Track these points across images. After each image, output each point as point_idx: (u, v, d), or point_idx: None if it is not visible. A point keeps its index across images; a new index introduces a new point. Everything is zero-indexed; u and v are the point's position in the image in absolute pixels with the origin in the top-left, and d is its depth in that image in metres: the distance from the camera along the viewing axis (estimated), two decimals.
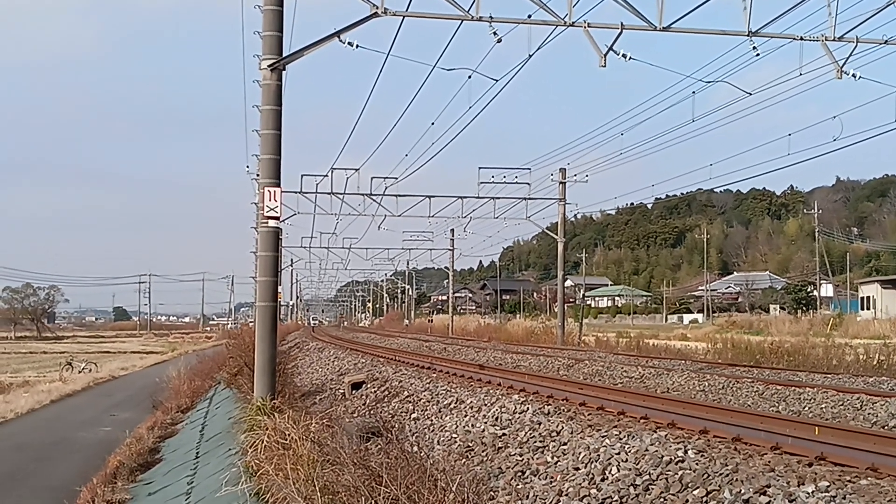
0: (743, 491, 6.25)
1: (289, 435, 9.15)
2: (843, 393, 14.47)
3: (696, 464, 7.22)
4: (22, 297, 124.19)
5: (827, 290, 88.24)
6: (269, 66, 13.65)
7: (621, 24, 15.48)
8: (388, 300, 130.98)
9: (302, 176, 39.67)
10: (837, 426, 10.15)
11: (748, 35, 16.19)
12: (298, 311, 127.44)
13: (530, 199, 40.96)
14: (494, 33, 15.22)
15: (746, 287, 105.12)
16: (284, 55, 13.77)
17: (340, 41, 14.19)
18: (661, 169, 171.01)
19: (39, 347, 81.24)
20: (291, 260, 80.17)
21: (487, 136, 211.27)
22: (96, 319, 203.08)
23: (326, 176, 38.39)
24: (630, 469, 7.50)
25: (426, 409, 13.05)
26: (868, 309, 66.63)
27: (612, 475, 7.49)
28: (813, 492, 6.06)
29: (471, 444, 10.16)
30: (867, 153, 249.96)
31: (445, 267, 72.41)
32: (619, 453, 7.97)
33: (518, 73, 17.95)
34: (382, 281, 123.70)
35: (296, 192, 39.52)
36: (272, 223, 13.77)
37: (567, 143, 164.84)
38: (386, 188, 39.11)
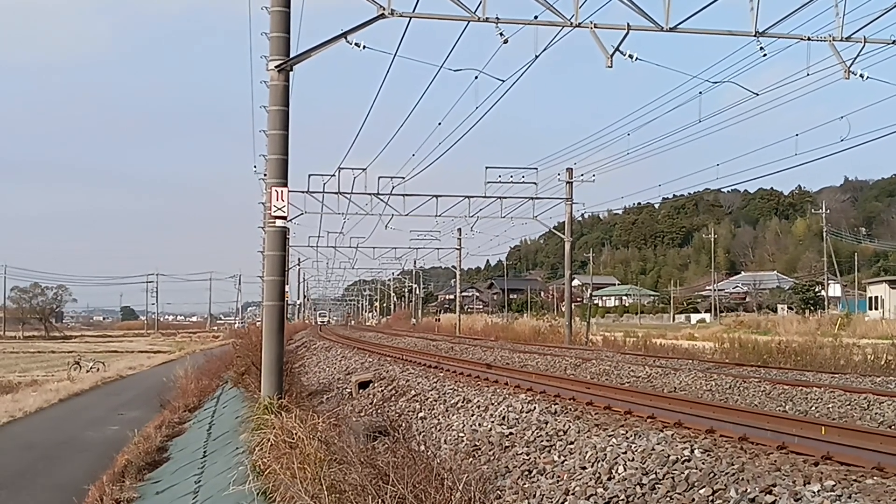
0: (749, 490, 6.27)
1: (296, 434, 9.17)
2: (850, 393, 14.46)
3: (703, 463, 7.24)
4: (30, 296, 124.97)
5: (835, 289, 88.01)
6: (276, 67, 13.70)
7: (628, 24, 15.47)
8: (395, 299, 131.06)
9: (309, 175, 39.76)
10: (844, 426, 10.14)
11: (755, 35, 16.16)
12: (306, 311, 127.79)
13: (537, 198, 40.94)
14: (501, 34, 15.21)
15: (754, 287, 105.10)
16: (291, 56, 13.82)
17: (347, 42, 14.21)
18: (669, 169, 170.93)
19: (47, 347, 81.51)
20: (299, 259, 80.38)
21: (494, 136, 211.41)
22: (104, 319, 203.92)
23: (333, 175, 38.46)
24: (637, 468, 7.51)
25: (433, 409, 13.07)
26: (876, 309, 66.46)
27: (619, 474, 7.51)
28: (819, 491, 6.07)
29: (478, 444, 10.18)
30: (875, 153, 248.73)
31: (452, 266, 72.40)
32: (625, 452, 7.99)
33: (525, 73, 17.98)
34: (389, 280, 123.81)
35: (303, 192, 39.57)
36: (279, 223, 13.83)
37: (574, 142, 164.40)
38: (393, 188, 39.24)
